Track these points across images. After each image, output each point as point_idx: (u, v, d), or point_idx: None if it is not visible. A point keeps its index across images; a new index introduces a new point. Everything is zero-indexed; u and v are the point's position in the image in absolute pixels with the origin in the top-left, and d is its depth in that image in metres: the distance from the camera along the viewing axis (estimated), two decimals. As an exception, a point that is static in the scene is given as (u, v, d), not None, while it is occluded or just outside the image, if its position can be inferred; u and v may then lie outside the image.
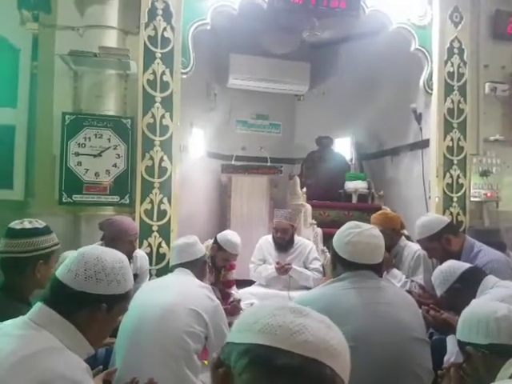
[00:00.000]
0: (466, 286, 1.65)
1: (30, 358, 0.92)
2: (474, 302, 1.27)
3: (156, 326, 1.70)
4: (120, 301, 1.08)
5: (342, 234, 1.54)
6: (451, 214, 3.32)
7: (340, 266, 1.53)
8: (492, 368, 1.06)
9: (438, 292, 1.76)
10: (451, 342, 1.64)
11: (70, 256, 1.09)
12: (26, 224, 1.49)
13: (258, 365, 0.57)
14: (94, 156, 2.81)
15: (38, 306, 1.03)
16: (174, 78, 2.89)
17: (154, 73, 2.87)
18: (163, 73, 2.87)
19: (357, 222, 1.57)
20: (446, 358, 1.61)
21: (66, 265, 1.06)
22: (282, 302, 0.66)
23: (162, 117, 2.86)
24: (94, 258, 1.05)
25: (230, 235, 2.88)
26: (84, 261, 1.04)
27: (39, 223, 1.51)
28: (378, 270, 1.51)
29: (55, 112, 2.83)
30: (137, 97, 2.85)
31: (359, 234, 1.49)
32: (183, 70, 2.98)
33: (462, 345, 1.17)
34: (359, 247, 1.48)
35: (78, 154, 2.81)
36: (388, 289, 1.48)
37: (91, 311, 1.03)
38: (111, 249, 1.14)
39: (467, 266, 1.75)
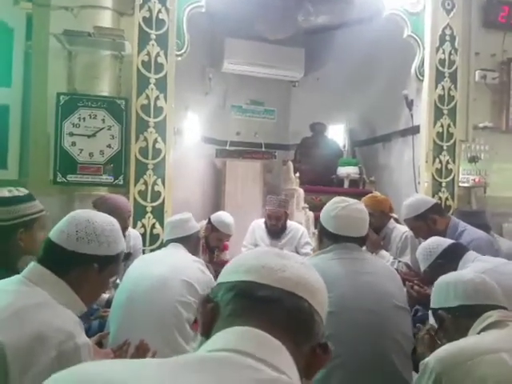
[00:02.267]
0: (448, 261, 1.71)
1: (24, 311, 0.95)
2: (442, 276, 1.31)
3: (149, 296, 1.74)
4: (111, 262, 1.12)
5: (328, 209, 1.59)
6: (440, 199, 3.38)
7: (326, 239, 1.58)
8: (462, 329, 1.10)
9: (422, 267, 1.82)
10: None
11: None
12: (6, 193, 1.45)
13: (242, 297, 0.62)
14: (88, 136, 2.83)
15: (31, 265, 1.07)
16: (168, 60, 2.91)
17: (148, 54, 2.88)
18: (158, 54, 2.89)
19: (343, 197, 1.62)
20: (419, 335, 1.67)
21: (58, 226, 1.10)
22: (266, 248, 0.72)
23: (157, 98, 2.88)
24: (85, 219, 1.09)
25: (223, 216, 2.93)
26: (75, 222, 1.08)
27: (20, 191, 1.47)
28: (363, 242, 1.57)
29: (49, 92, 2.84)
30: (131, 78, 2.87)
31: (345, 208, 1.55)
32: (178, 52, 2.99)
33: (435, 312, 1.22)
34: (344, 221, 1.53)
35: (72, 135, 2.83)
36: (371, 260, 1.54)
37: (83, 271, 1.07)
38: (102, 213, 1.18)
39: (450, 241, 1.81)
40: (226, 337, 0.59)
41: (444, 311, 1.17)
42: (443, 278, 1.24)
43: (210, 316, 0.64)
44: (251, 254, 0.69)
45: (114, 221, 1.17)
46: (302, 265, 0.67)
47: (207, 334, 0.62)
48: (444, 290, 1.19)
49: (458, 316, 1.13)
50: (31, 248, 1.42)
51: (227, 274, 0.67)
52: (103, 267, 1.10)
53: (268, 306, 0.61)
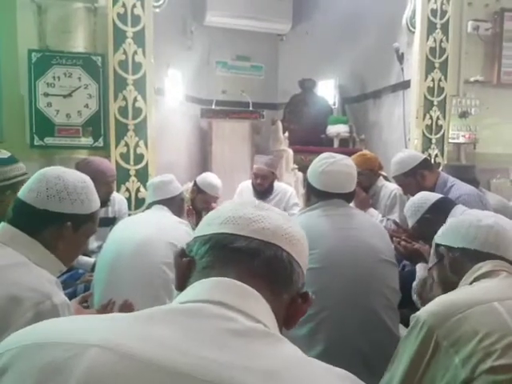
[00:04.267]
0: (436, 216, 1.68)
1: None
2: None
3: (134, 257, 1.71)
4: (86, 221, 1.08)
5: (315, 165, 1.55)
6: (429, 155, 3.35)
7: (314, 196, 1.55)
8: (459, 271, 1.08)
9: (410, 222, 1.80)
10: (421, 269, 1.70)
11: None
12: None
13: (217, 248, 0.60)
14: (64, 96, 2.71)
15: (1, 226, 1.03)
16: (145, 12, 2.75)
17: (124, 6, 2.71)
18: (134, 6, 2.72)
19: (331, 153, 1.57)
20: (414, 284, 1.67)
21: (27, 185, 1.04)
22: (245, 200, 0.68)
23: (135, 53, 2.74)
24: (55, 176, 1.03)
25: (209, 177, 2.87)
26: (45, 180, 1.03)
27: (2, 153, 1.47)
28: (350, 198, 1.54)
29: (20, 49, 2.69)
30: (107, 32, 2.71)
31: (332, 164, 1.50)
32: (155, 4, 2.84)
33: (437, 247, 1.18)
34: (332, 176, 1.49)
35: (47, 95, 2.70)
36: (358, 216, 1.52)
37: (56, 230, 1.03)
38: (73, 170, 1.12)
39: (438, 196, 1.78)
40: (200, 288, 0.57)
41: (445, 248, 1.13)
42: (459, 218, 1.17)
43: (185, 270, 0.62)
44: (227, 206, 0.65)
45: (87, 178, 1.12)
46: (280, 215, 0.64)
47: (182, 288, 0.60)
48: (454, 229, 1.13)
49: (458, 256, 1.10)
50: None
51: (203, 227, 0.64)
52: (77, 226, 1.06)
53: (245, 257, 0.59)
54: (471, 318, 0.90)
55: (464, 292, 1.02)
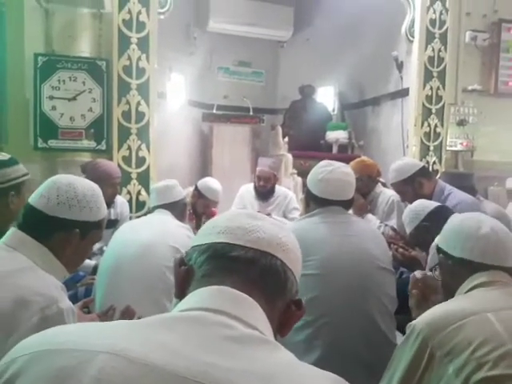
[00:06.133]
0: (434, 224, 1.71)
1: (5, 276, 0.94)
2: (464, 214, 1.20)
3: (136, 261, 1.73)
4: (93, 228, 1.10)
5: (315, 173, 1.58)
6: (427, 162, 3.39)
7: (313, 203, 1.58)
8: (457, 278, 1.09)
9: (408, 229, 1.84)
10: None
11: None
12: None
13: (215, 257, 0.63)
14: (69, 100, 2.74)
15: (11, 231, 1.05)
16: (150, 18, 2.79)
17: (129, 12, 2.75)
18: (139, 12, 2.76)
19: (330, 161, 1.61)
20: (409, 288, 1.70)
21: (38, 191, 1.07)
22: (240, 210, 0.71)
23: (139, 59, 2.78)
24: (66, 184, 1.06)
25: (210, 182, 2.89)
26: (56, 187, 1.05)
27: (3, 155, 1.48)
28: (348, 205, 1.57)
29: (27, 53, 2.72)
30: (112, 38, 2.75)
31: (331, 172, 1.54)
32: (160, 10, 2.87)
33: (438, 249, 1.17)
34: (330, 184, 1.52)
35: (52, 98, 2.73)
36: (356, 223, 1.55)
37: (64, 236, 1.05)
38: (83, 178, 1.15)
39: (435, 204, 1.82)
40: (199, 296, 0.59)
41: (444, 256, 1.13)
42: (459, 223, 1.13)
43: (184, 278, 0.64)
44: (224, 216, 0.68)
45: (96, 186, 1.14)
46: (274, 225, 0.67)
47: (182, 296, 0.62)
48: (454, 237, 1.12)
49: (456, 266, 1.10)
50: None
51: (201, 237, 0.66)
52: (85, 233, 1.08)
53: (241, 266, 0.61)
54: (465, 329, 0.92)
55: (459, 302, 1.04)
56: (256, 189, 3.25)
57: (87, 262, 2.28)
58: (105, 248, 2.09)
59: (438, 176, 3.29)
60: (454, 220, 1.18)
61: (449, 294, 1.12)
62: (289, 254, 0.65)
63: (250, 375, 0.49)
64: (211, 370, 0.49)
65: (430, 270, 1.24)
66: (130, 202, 2.82)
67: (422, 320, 0.98)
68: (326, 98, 4.90)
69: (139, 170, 2.88)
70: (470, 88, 3.51)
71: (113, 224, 2.44)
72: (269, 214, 3.12)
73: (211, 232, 0.65)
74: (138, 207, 2.90)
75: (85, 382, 0.47)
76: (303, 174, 3.99)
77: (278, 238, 0.64)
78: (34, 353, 0.51)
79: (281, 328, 0.64)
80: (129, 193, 2.87)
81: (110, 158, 2.79)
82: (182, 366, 0.48)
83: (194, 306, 0.58)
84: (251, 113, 4.53)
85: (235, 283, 0.60)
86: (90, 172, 2.33)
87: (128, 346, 0.50)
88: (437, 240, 1.20)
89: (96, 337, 0.52)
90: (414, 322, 0.99)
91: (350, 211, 1.70)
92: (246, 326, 0.56)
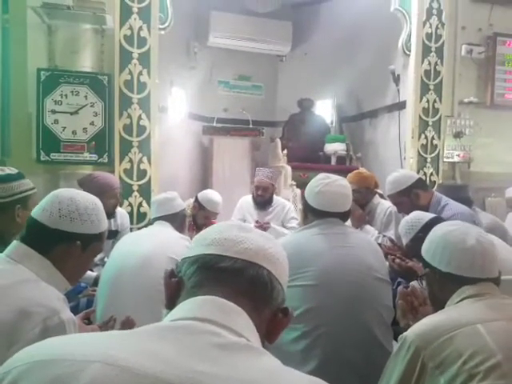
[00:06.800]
0: (429, 235, 1.74)
1: (8, 288, 0.96)
2: (447, 225, 1.18)
3: (136, 273, 1.74)
4: (94, 240, 1.12)
5: (312, 185, 1.61)
6: (425, 174, 3.43)
7: (311, 214, 1.61)
8: (446, 289, 1.10)
9: (404, 240, 1.85)
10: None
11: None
12: None
13: (204, 268, 0.65)
14: (71, 114, 2.79)
15: (14, 244, 1.07)
16: (151, 34, 2.85)
17: (130, 28, 2.81)
18: (140, 28, 2.82)
19: (327, 174, 1.64)
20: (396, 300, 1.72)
21: (40, 205, 1.10)
22: (229, 222, 0.74)
23: (140, 74, 2.83)
24: (68, 198, 1.09)
25: (210, 194, 2.92)
26: (58, 201, 1.08)
27: (11, 170, 1.52)
28: (345, 217, 1.59)
29: (30, 68, 2.77)
30: (113, 53, 2.80)
31: (328, 185, 1.57)
32: (161, 26, 2.93)
33: (424, 262, 1.17)
34: (328, 196, 1.55)
35: (54, 112, 2.78)
36: (353, 234, 1.57)
37: (66, 248, 1.07)
38: (85, 192, 1.17)
39: (431, 216, 1.84)
40: (188, 306, 0.62)
41: (431, 270, 1.13)
42: (443, 235, 1.12)
43: (174, 289, 0.66)
44: (213, 228, 0.71)
45: (97, 200, 1.17)
46: (261, 236, 0.69)
47: (172, 306, 0.64)
48: (440, 250, 1.11)
49: (444, 280, 1.10)
50: None
51: (190, 249, 0.69)
52: (86, 245, 1.10)
53: (229, 276, 0.64)
54: (456, 340, 0.93)
55: (449, 313, 1.05)
56: (254, 198, 3.28)
57: (89, 273, 2.29)
58: (106, 259, 2.11)
59: (435, 188, 3.33)
60: (437, 232, 1.17)
61: (437, 305, 1.12)
62: (275, 264, 0.67)
63: (235, 381, 0.51)
64: (200, 377, 0.51)
65: (417, 279, 1.25)
66: (131, 213, 2.85)
67: (413, 331, 0.99)
68: (325, 110, 4.96)
69: (140, 183, 2.91)
70: (466, 100, 3.56)
71: (113, 235, 2.46)
72: (267, 223, 3.17)
73: (200, 244, 0.67)
74: (140, 219, 2.92)
75: None
76: (302, 185, 4.03)
77: (265, 249, 0.67)
78: (29, 363, 0.53)
79: (268, 335, 0.66)
80: (130, 205, 2.90)
81: (112, 171, 2.82)
82: (172, 374, 0.51)
83: (184, 315, 0.60)
84: (251, 125, 4.59)
85: (224, 293, 0.62)
86: (90, 185, 2.34)
87: (120, 355, 0.52)
88: (422, 251, 1.19)
89: (89, 346, 0.54)
90: (405, 333, 1.00)
91: (349, 222, 1.72)
92: (233, 333, 0.58)
